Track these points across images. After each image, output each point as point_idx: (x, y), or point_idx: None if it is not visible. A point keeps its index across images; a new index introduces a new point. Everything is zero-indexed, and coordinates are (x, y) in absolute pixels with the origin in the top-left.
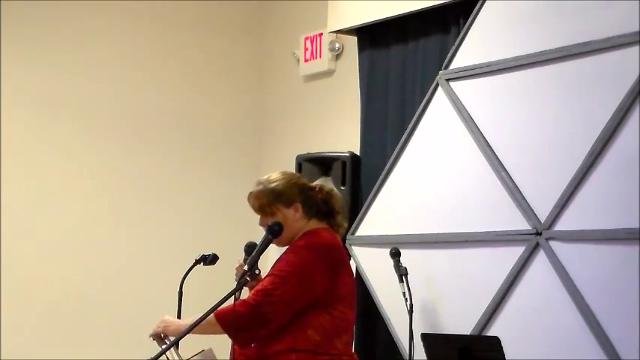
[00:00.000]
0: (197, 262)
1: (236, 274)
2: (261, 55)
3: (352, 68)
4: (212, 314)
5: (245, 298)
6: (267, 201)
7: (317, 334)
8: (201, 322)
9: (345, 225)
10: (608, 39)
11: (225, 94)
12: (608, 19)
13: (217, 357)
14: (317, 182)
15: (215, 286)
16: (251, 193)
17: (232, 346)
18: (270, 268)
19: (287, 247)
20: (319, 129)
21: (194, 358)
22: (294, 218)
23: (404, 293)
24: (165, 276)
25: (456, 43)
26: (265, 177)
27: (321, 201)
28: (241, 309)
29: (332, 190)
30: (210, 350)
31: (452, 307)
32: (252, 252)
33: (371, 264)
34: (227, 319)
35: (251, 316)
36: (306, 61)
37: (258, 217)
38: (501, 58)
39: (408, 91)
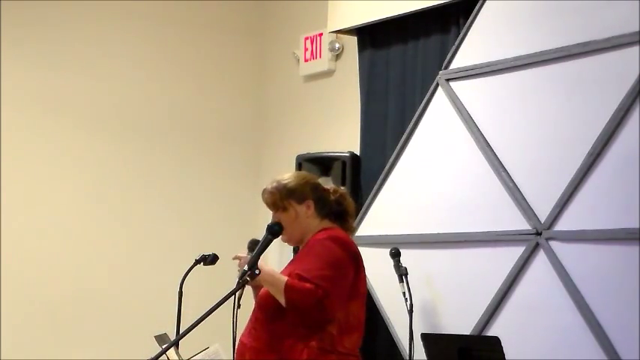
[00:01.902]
0: (197, 262)
1: (239, 267)
2: (261, 55)
3: (352, 68)
4: (283, 284)
5: (314, 287)
6: (280, 196)
7: (334, 329)
8: (199, 322)
9: (356, 229)
10: (608, 39)
11: (225, 94)
12: (608, 19)
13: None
14: (330, 185)
15: (215, 286)
16: (265, 189)
17: (239, 339)
18: (292, 263)
19: (299, 245)
20: (319, 129)
21: (198, 356)
22: (306, 215)
23: (404, 293)
24: (165, 276)
25: (456, 43)
26: (279, 176)
27: (335, 202)
28: (308, 299)
29: (346, 193)
30: (217, 348)
31: (452, 307)
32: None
33: (371, 264)
34: (292, 300)
35: (314, 309)
36: (306, 61)
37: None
38: (501, 58)
39: (408, 91)
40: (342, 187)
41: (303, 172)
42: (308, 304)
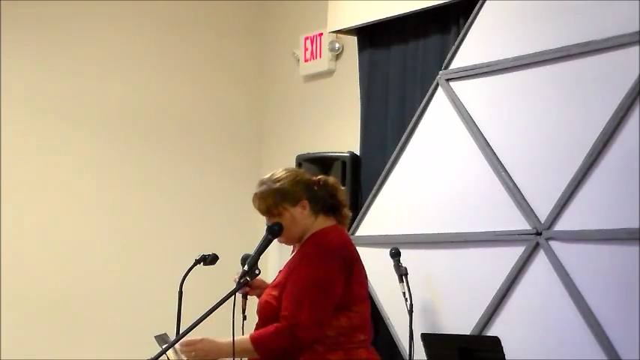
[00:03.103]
0: (197, 262)
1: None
2: (261, 55)
3: (352, 68)
4: (249, 341)
5: (279, 325)
6: (273, 202)
7: (334, 332)
8: (199, 322)
9: (350, 214)
10: (608, 39)
11: (225, 94)
12: (608, 19)
13: None
14: (319, 176)
15: (215, 286)
16: (255, 194)
17: None
18: (283, 271)
19: (294, 247)
20: (319, 129)
21: None
22: (302, 216)
23: (404, 293)
24: (165, 276)
25: (456, 43)
26: (268, 176)
27: (328, 195)
28: (279, 340)
29: (336, 182)
30: None
31: (452, 307)
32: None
33: (371, 264)
34: (266, 350)
35: (290, 346)
36: (306, 61)
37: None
38: (501, 58)
39: (408, 91)
40: (331, 177)
41: (292, 169)
42: (282, 344)
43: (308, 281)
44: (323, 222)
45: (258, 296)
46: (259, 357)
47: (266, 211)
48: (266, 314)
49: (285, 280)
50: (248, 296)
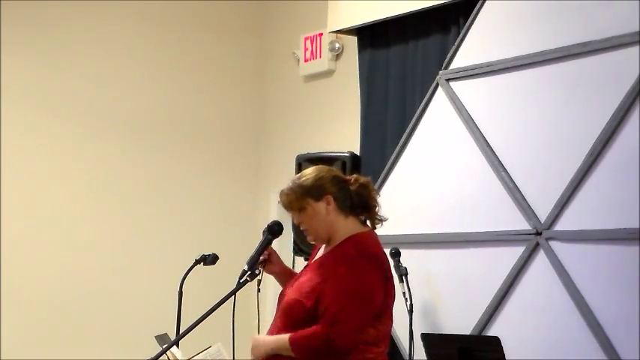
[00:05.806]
0: (197, 262)
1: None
2: (261, 55)
3: (352, 68)
4: (287, 340)
5: (317, 328)
6: (295, 197)
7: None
8: (199, 322)
9: (384, 218)
10: (608, 39)
11: (225, 94)
12: (608, 19)
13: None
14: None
15: (215, 286)
16: (282, 191)
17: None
18: (312, 268)
19: (325, 244)
20: (319, 129)
21: (199, 355)
22: (326, 212)
23: (404, 293)
24: (165, 276)
25: (456, 43)
26: (297, 174)
27: (354, 193)
28: (316, 344)
29: (367, 181)
30: (218, 347)
31: (452, 307)
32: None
33: None
34: (303, 352)
35: (326, 351)
36: (306, 61)
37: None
38: (501, 58)
39: (408, 91)
40: (363, 177)
41: (321, 166)
42: (316, 345)
43: (349, 286)
44: (356, 225)
45: (274, 274)
46: (295, 356)
47: (288, 206)
48: (294, 314)
49: (322, 280)
50: (263, 272)
